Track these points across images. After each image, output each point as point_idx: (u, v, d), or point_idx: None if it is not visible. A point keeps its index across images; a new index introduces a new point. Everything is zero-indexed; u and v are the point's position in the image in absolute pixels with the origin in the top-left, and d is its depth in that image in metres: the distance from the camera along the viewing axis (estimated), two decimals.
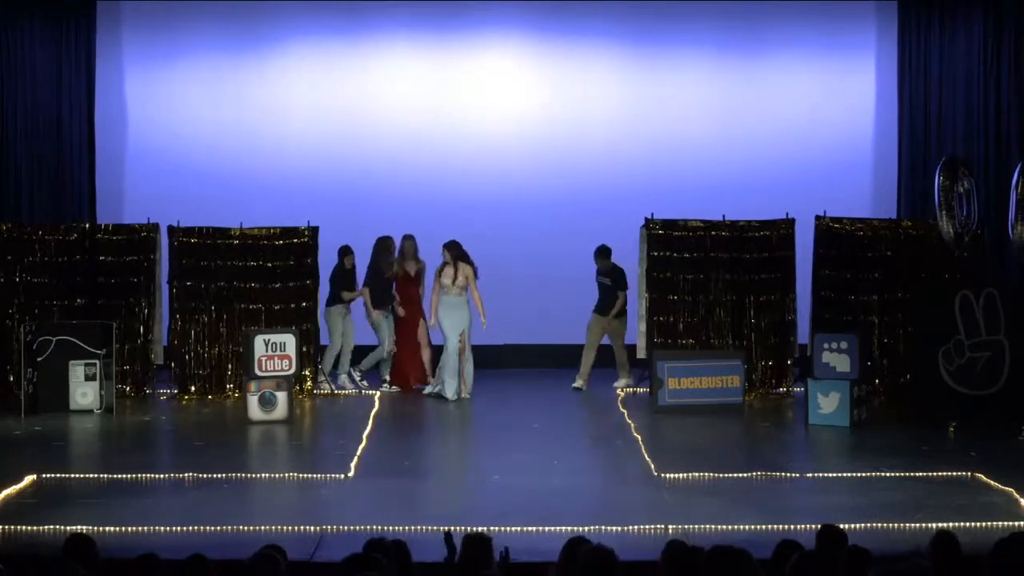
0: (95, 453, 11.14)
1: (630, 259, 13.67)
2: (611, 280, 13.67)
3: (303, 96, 15.41)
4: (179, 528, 8.03)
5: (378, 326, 13.64)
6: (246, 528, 8.04)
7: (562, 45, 15.46)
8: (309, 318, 13.40)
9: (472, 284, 12.91)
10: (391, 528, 7.55)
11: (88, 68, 15.15)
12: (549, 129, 15.42)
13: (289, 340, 12.01)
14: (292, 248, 13.47)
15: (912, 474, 9.65)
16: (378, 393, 13.38)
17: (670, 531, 7.87)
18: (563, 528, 7.71)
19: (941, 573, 5.49)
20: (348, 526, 8.06)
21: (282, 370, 11.91)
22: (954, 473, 9.64)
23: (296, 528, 8.05)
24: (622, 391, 13.48)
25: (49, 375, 12.24)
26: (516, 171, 15.32)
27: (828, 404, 11.60)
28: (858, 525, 7.90)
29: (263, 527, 8.03)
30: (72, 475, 9.79)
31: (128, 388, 13.22)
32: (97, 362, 12.31)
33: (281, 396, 11.82)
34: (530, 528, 7.99)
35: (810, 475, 9.85)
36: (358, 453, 10.41)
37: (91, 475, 9.75)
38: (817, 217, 13.36)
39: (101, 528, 7.87)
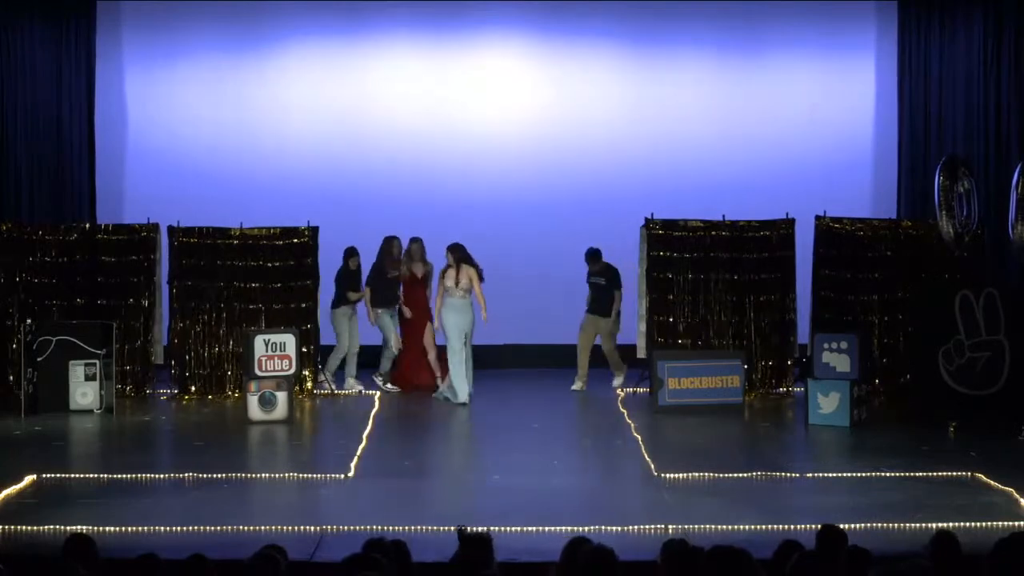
0: (95, 453, 11.13)
1: (630, 259, 13.67)
2: (606, 279, 13.65)
3: (303, 96, 15.41)
4: (179, 528, 8.03)
5: (381, 325, 13.62)
6: (246, 528, 8.03)
7: (562, 45, 15.47)
8: (309, 318, 13.40)
9: (476, 287, 12.86)
10: (391, 528, 7.54)
11: (88, 68, 15.16)
12: (549, 129, 15.42)
13: (289, 340, 12.01)
14: (292, 248, 13.47)
15: (912, 474, 9.64)
16: (378, 393, 13.38)
17: (670, 531, 7.86)
18: (563, 528, 7.71)
19: (941, 573, 5.49)
20: (348, 526, 8.05)
21: (282, 370, 11.91)
22: (954, 473, 9.64)
23: (296, 528, 8.04)
24: (622, 390, 13.48)
25: (49, 375, 12.24)
26: (516, 171, 15.33)
27: (828, 404, 11.60)
28: (858, 525, 7.90)
29: (263, 527, 8.03)
30: (72, 475, 9.78)
31: (128, 388, 13.22)
32: (97, 362, 12.31)
33: (281, 396, 11.82)
34: (530, 528, 7.98)
35: (810, 475, 9.85)
36: (358, 453, 10.41)
37: (91, 475, 9.75)
38: (817, 217, 13.36)
39: (101, 528, 7.86)
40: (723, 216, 13.49)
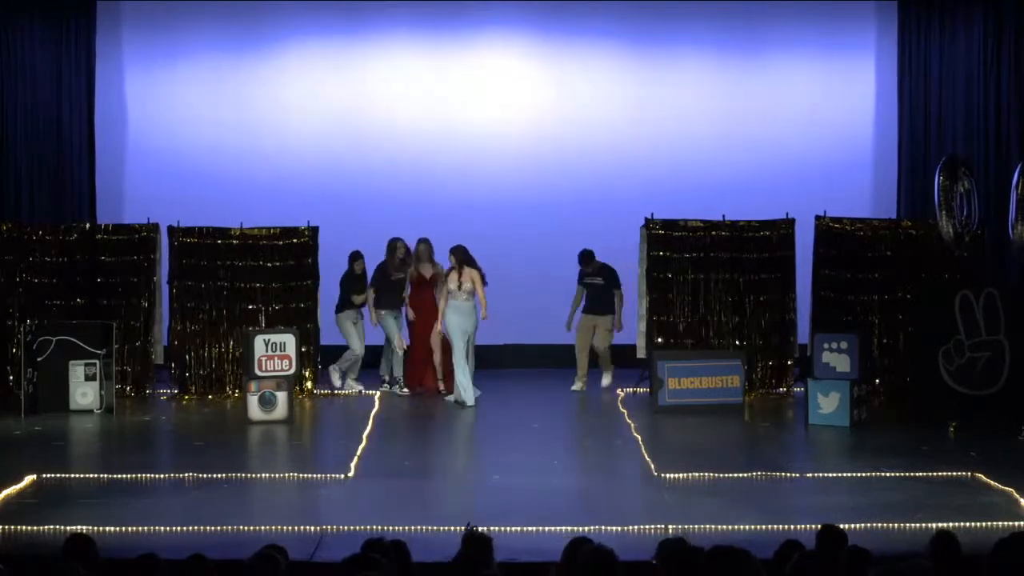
0: (95, 453, 11.13)
1: (630, 259, 13.67)
2: (604, 279, 13.64)
3: (303, 96, 15.41)
4: (179, 528, 8.03)
5: (385, 326, 13.58)
6: (246, 528, 8.03)
7: (562, 45, 15.47)
8: (309, 318, 13.40)
9: (479, 289, 12.83)
10: (391, 528, 7.54)
11: (88, 68, 15.15)
12: (549, 129, 15.42)
13: (289, 340, 12.01)
14: (292, 248, 13.47)
15: (912, 474, 9.64)
16: (378, 393, 13.38)
17: (670, 531, 7.85)
18: (563, 528, 7.72)
19: (941, 573, 5.48)
20: (348, 526, 8.05)
21: (282, 370, 11.91)
22: (954, 473, 9.64)
23: (296, 528, 8.04)
24: (622, 390, 13.48)
25: (49, 375, 12.23)
26: (516, 171, 15.33)
27: (828, 404, 11.60)
28: (858, 525, 7.90)
29: (263, 527, 8.02)
30: (72, 475, 9.78)
31: (128, 388, 13.22)
32: (97, 362, 12.31)
33: (281, 396, 11.82)
34: (530, 528, 7.98)
35: (810, 475, 9.85)
36: (358, 453, 10.40)
37: (91, 475, 9.75)
38: (817, 217, 13.37)
39: (101, 528, 7.86)
40: (723, 216, 13.49)
